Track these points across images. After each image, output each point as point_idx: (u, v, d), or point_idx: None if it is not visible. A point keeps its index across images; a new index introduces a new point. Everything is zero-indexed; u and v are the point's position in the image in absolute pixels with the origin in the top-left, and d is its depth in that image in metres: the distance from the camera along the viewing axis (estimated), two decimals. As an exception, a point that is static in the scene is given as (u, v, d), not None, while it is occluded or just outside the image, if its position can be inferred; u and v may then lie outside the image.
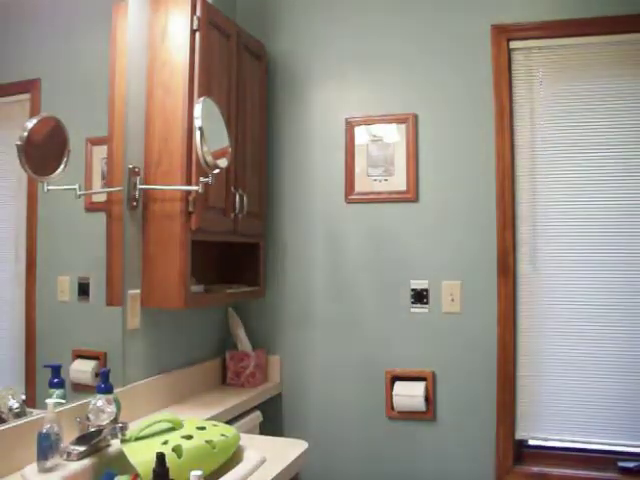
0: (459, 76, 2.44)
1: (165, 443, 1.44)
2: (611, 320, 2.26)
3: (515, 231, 2.36)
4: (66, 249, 1.79)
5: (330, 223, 2.59)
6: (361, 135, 2.54)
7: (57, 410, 1.46)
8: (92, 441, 1.51)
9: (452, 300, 2.40)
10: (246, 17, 2.71)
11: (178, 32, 2.05)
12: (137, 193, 2.01)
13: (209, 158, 1.81)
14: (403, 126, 2.48)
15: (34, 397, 1.60)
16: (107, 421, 1.56)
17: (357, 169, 2.54)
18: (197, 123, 1.79)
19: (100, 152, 1.91)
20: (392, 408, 2.44)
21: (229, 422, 2.08)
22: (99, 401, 1.58)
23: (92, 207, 1.90)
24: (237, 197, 2.29)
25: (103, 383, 1.62)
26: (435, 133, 2.47)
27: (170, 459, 1.30)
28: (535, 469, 2.31)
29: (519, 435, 2.36)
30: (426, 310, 2.44)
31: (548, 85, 2.37)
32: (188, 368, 2.32)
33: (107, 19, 1.94)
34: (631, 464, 2.22)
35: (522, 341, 2.36)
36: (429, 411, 2.41)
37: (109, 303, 1.93)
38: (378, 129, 2.52)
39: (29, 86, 1.66)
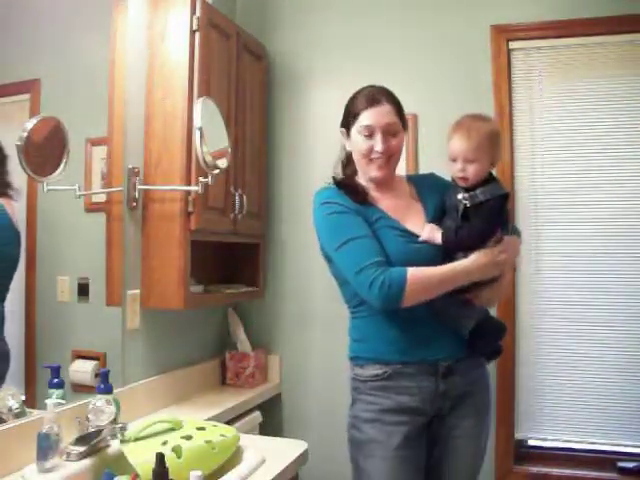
0: (459, 76, 2.44)
1: (165, 443, 1.43)
2: (611, 321, 2.26)
3: (515, 231, 2.35)
4: (66, 249, 1.79)
5: (330, 223, 2.58)
6: (361, 135, 2.54)
7: (57, 410, 1.46)
8: (92, 441, 1.51)
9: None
10: (246, 17, 2.70)
11: (178, 32, 2.05)
12: (137, 193, 2.01)
13: (208, 158, 1.81)
14: (403, 126, 2.48)
15: (34, 397, 1.60)
16: (107, 421, 1.56)
17: (357, 169, 2.54)
18: (196, 123, 1.79)
19: (100, 152, 1.91)
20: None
21: (229, 422, 2.08)
22: (99, 401, 1.58)
23: (92, 207, 1.90)
24: (237, 197, 2.29)
25: (103, 383, 1.63)
26: (435, 133, 2.46)
27: (170, 459, 1.30)
28: (535, 469, 2.31)
29: (519, 435, 2.36)
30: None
31: (548, 85, 2.36)
32: (188, 368, 2.32)
33: (107, 19, 1.94)
34: (631, 464, 2.22)
35: (522, 341, 2.36)
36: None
37: (109, 303, 1.93)
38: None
39: (29, 86, 1.66)
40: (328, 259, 1.68)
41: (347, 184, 1.69)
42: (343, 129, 1.72)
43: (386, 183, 1.72)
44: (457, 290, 1.57)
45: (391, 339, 1.60)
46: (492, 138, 1.59)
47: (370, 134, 1.63)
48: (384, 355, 1.60)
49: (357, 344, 1.68)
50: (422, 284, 1.51)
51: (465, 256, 1.57)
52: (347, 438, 1.67)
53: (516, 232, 1.74)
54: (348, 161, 1.75)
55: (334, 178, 1.74)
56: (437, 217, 1.66)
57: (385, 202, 1.68)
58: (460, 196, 1.60)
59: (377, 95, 1.67)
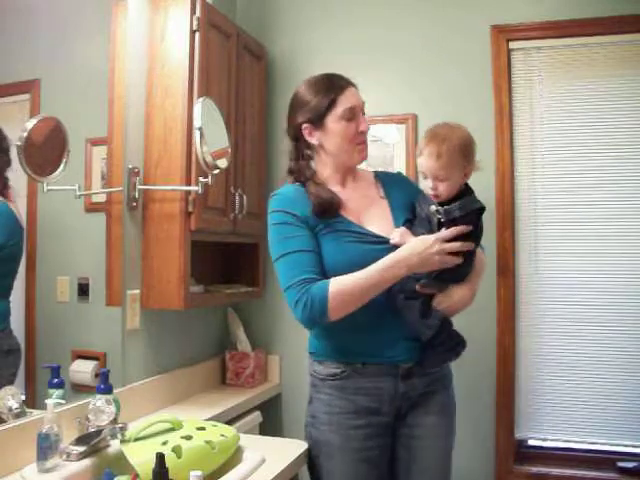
0: (459, 76, 2.44)
1: (165, 443, 1.43)
2: (611, 321, 2.25)
3: (515, 232, 2.35)
4: (66, 249, 1.79)
5: (330, 223, 2.58)
6: (361, 135, 2.54)
7: (57, 410, 1.46)
8: (92, 441, 1.50)
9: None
10: (246, 17, 2.70)
11: (178, 32, 2.05)
12: (137, 193, 2.01)
13: (208, 158, 1.81)
14: (403, 126, 2.48)
15: (34, 397, 1.60)
16: (107, 421, 1.56)
17: (357, 169, 2.54)
18: (196, 123, 1.79)
19: (100, 152, 1.91)
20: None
21: (229, 422, 2.08)
22: (99, 401, 1.58)
23: (92, 207, 1.91)
24: (237, 197, 2.29)
25: (103, 383, 1.63)
26: (435, 133, 2.46)
27: (170, 459, 1.30)
28: (535, 469, 2.31)
29: (519, 435, 2.36)
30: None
31: (548, 85, 2.36)
32: (188, 368, 2.32)
33: (107, 19, 1.94)
34: (630, 464, 2.22)
35: (521, 341, 2.36)
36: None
37: (109, 303, 1.93)
38: (377, 130, 2.50)
39: (29, 86, 1.66)
40: None
41: (322, 203, 1.58)
42: (307, 125, 1.63)
43: (352, 176, 1.69)
44: (417, 295, 1.53)
45: (352, 338, 1.57)
46: (463, 151, 1.53)
47: (352, 116, 1.59)
48: (344, 354, 1.58)
49: (317, 340, 1.64)
50: (346, 295, 1.47)
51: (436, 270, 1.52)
52: (304, 436, 1.66)
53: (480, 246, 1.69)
54: (304, 165, 1.67)
55: (304, 182, 1.65)
56: (405, 219, 1.60)
57: (346, 201, 1.62)
58: (434, 208, 1.53)
59: (340, 80, 1.64)
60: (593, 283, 2.28)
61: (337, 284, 1.48)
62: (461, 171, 1.53)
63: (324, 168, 1.67)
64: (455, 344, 1.62)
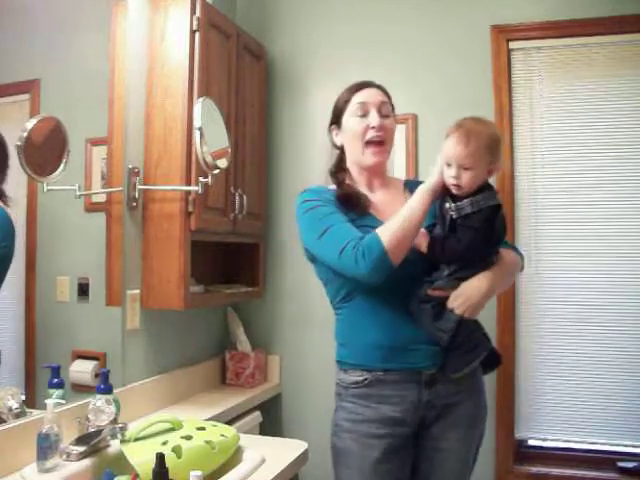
0: (459, 76, 2.44)
1: (165, 443, 1.43)
2: (610, 321, 2.26)
3: (515, 232, 2.35)
4: (66, 249, 1.79)
5: (330, 223, 2.58)
6: (361, 135, 2.54)
7: (57, 410, 1.46)
8: (92, 441, 1.50)
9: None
10: (246, 17, 2.70)
11: (178, 32, 2.05)
12: (137, 193, 2.01)
13: (208, 158, 1.81)
14: (403, 127, 2.48)
15: (34, 397, 1.60)
16: (107, 421, 1.56)
17: (357, 169, 2.53)
18: (196, 123, 1.79)
19: (100, 152, 1.91)
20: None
21: (229, 422, 2.08)
22: (99, 401, 1.58)
23: (92, 207, 1.91)
24: (237, 197, 2.29)
25: (103, 383, 1.63)
26: (435, 133, 2.46)
27: (170, 459, 1.30)
28: (535, 469, 2.31)
29: (519, 435, 2.36)
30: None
31: (548, 85, 2.36)
32: (188, 368, 2.32)
33: (107, 19, 1.94)
34: (630, 464, 2.22)
35: (521, 341, 2.36)
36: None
37: (109, 303, 1.93)
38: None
39: (29, 86, 1.66)
40: (311, 259, 1.64)
41: (349, 194, 1.61)
42: (333, 126, 1.68)
43: (380, 181, 1.69)
44: (429, 298, 1.50)
45: (373, 344, 1.54)
46: (492, 145, 1.47)
47: (364, 113, 1.60)
48: (366, 361, 1.55)
49: (342, 348, 1.63)
50: (393, 229, 1.43)
51: (448, 268, 1.50)
52: (330, 444, 1.64)
53: (516, 251, 1.68)
54: (339, 167, 1.69)
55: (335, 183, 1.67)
56: (430, 224, 1.57)
57: (375, 203, 1.63)
58: (447, 205, 1.50)
59: (365, 82, 1.66)
60: (593, 283, 2.28)
61: (382, 227, 1.46)
62: (486, 165, 1.47)
63: (351, 170, 1.68)
64: (474, 345, 1.54)
